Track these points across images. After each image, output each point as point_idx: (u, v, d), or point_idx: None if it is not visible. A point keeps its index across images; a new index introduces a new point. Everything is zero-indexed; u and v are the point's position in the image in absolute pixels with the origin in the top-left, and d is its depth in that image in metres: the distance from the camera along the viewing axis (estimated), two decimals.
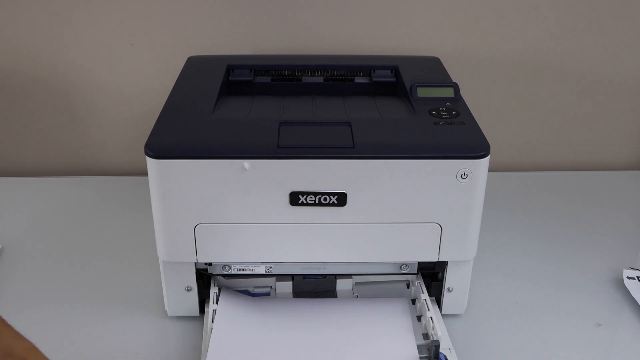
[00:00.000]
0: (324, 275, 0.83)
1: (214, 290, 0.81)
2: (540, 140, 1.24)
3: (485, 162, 0.72)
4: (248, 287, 0.84)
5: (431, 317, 0.76)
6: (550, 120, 1.22)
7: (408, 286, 0.85)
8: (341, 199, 0.73)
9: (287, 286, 0.84)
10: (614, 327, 0.83)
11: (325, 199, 0.73)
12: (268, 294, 0.84)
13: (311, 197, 0.72)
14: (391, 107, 0.85)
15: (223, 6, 1.10)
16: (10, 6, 1.09)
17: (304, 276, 0.83)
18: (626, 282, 0.89)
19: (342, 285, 0.84)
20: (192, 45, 1.12)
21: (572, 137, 1.24)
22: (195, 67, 0.95)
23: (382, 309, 0.80)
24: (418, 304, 0.81)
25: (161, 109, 0.80)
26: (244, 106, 0.84)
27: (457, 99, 0.83)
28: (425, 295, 0.80)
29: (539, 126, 1.23)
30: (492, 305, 0.86)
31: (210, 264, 0.80)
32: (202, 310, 0.82)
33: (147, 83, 1.16)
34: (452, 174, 0.72)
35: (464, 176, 0.72)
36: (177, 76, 0.91)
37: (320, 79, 0.95)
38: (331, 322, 0.78)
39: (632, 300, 0.87)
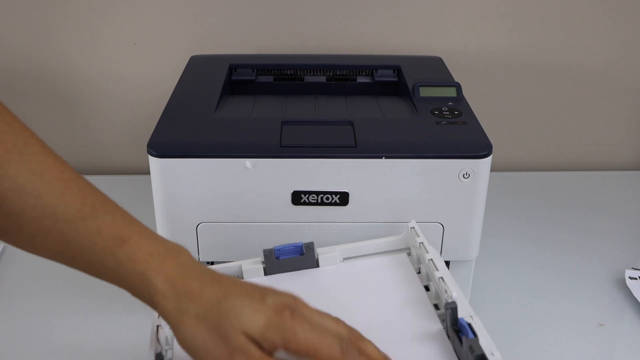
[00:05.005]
0: (302, 253, 0.67)
1: None
2: (542, 140, 1.24)
3: (487, 161, 0.72)
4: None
5: (442, 278, 0.61)
6: (552, 120, 1.22)
7: (409, 254, 0.70)
8: (343, 199, 0.73)
9: (257, 271, 0.67)
10: (616, 327, 0.83)
11: (327, 198, 0.73)
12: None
13: (313, 197, 0.73)
14: (393, 106, 0.85)
15: (226, 5, 1.10)
16: (13, 5, 1.09)
17: (277, 257, 0.68)
18: (628, 282, 0.89)
19: (325, 261, 0.68)
20: (194, 44, 1.12)
21: (574, 137, 1.24)
22: (197, 66, 0.95)
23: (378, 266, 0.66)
24: (424, 268, 0.66)
25: (163, 107, 0.80)
26: (247, 105, 0.84)
27: (460, 98, 0.83)
28: (431, 255, 0.64)
29: (540, 126, 1.23)
30: (494, 304, 0.86)
31: (212, 263, 0.80)
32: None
33: (150, 82, 1.16)
34: (454, 173, 0.72)
35: (466, 176, 0.72)
36: (179, 75, 0.91)
37: (323, 79, 0.95)
38: (320, 290, 0.64)
39: (634, 300, 0.87)
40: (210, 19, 1.12)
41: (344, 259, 0.69)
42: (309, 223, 0.74)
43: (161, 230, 0.75)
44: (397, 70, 0.94)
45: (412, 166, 0.72)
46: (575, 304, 0.87)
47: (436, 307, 0.63)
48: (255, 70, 0.94)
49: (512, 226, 1.04)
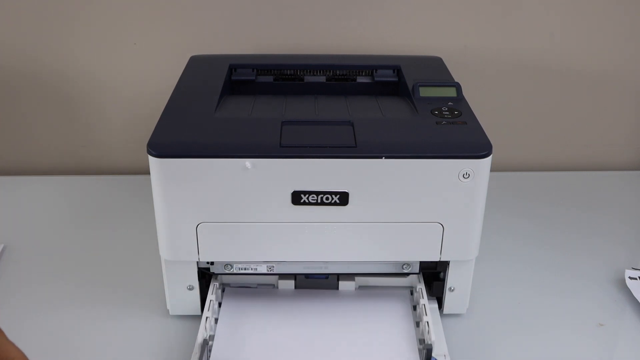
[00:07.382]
0: (327, 276, 0.83)
1: (214, 284, 0.82)
2: (542, 140, 1.24)
3: (487, 161, 0.72)
4: (251, 284, 0.85)
5: (427, 322, 0.75)
6: (552, 120, 1.22)
7: (412, 293, 0.84)
8: (343, 199, 0.73)
9: (289, 284, 0.84)
10: (616, 327, 0.83)
11: (327, 198, 0.73)
12: None
13: (313, 197, 0.73)
14: (393, 106, 0.85)
15: (225, 5, 1.11)
16: (12, 5, 1.09)
17: (306, 275, 0.83)
18: (628, 282, 0.89)
19: (344, 286, 0.84)
20: (194, 44, 1.12)
21: (574, 137, 1.24)
22: (197, 66, 0.95)
23: (383, 311, 0.81)
24: (418, 310, 0.80)
25: (163, 108, 0.80)
26: (247, 105, 0.84)
27: (459, 98, 0.83)
28: (424, 301, 0.79)
29: (540, 126, 1.23)
30: (494, 305, 0.86)
31: (212, 263, 0.80)
32: (204, 309, 0.82)
33: (150, 82, 1.16)
34: (454, 173, 0.72)
35: (465, 176, 0.72)
36: (179, 75, 0.91)
37: (323, 79, 0.95)
38: (333, 319, 0.80)
39: (634, 300, 0.87)
40: (210, 19, 1.12)
41: (359, 286, 0.85)
42: (309, 223, 0.74)
43: (161, 230, 0.75)
44: (397, 70, 0.94)
45: (412, 166, 0.72)
46: (576, 303, 0.87)
47: (420, 341, 0.76)
48: (255, 70, 0.94)
49: (512, 226, 1.04)
